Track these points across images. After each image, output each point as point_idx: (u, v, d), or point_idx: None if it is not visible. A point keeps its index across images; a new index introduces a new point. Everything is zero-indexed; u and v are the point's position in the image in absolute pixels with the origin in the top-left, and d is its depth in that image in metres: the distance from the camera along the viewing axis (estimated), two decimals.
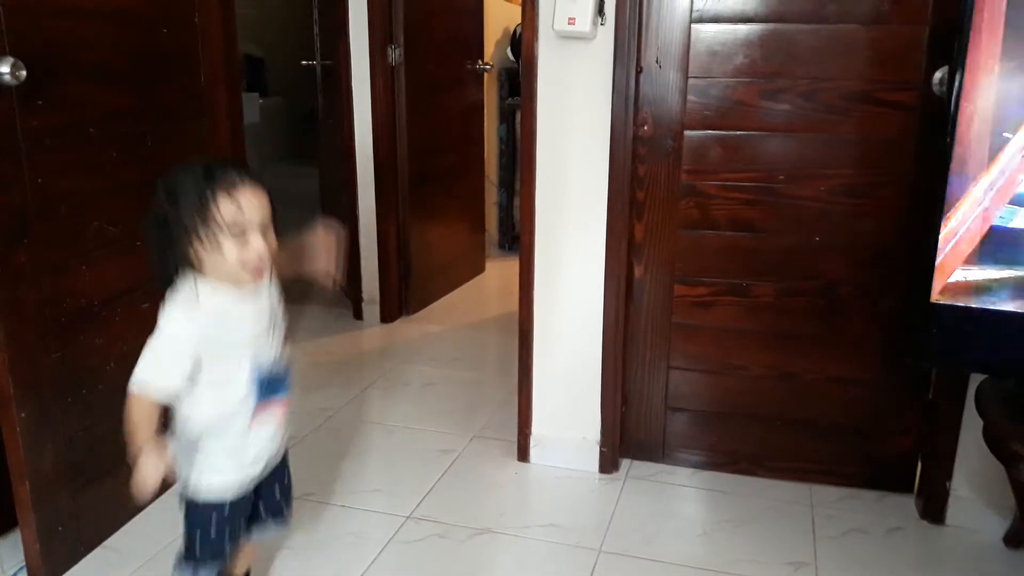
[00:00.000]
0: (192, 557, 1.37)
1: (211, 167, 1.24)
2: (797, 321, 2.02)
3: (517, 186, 4.45)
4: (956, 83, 1.45)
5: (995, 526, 1.86)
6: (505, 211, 4.55)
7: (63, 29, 1.61)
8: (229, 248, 1.23)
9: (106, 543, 1.80)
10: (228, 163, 1.27)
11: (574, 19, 1.87)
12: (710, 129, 1.97)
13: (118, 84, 1.78)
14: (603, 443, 2.13)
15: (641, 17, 1.92)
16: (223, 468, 1.34)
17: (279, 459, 1.47)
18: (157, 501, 1.97)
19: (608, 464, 2.14)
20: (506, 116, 4.43)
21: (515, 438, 2.22)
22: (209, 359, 1.27)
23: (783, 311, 2.02)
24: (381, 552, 1.80)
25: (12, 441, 1.56)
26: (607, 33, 1.91)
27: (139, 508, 1.92)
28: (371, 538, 1.84)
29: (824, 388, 2.04)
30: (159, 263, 1.27)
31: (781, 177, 1.95)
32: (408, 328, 3.33)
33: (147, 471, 1.27)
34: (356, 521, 1.93)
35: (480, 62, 3.83)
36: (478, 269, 4.08)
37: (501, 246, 4.56)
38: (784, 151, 1.95)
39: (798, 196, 1.95)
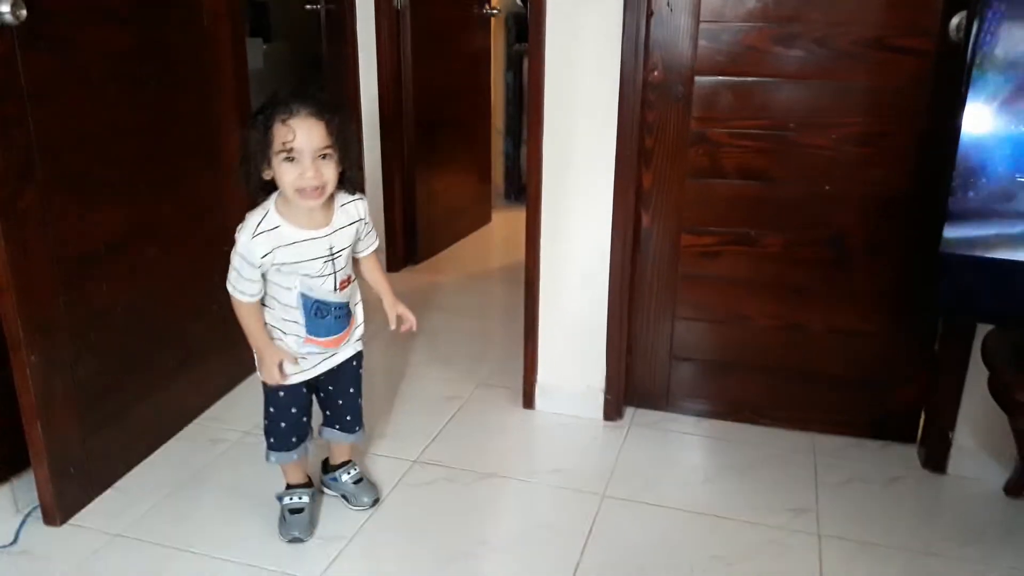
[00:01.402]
0: (264, 433, 1.65)
1: (279, 95, 1.39)
2: (804, 272, 2.01)
3: (524, 135, 4.41)
4: (975, 28, 1.42)
5: (996, 475, 1.88)
6: (512, 160, 4.51)
7: None
8: (283, 172, 1.39)
9: (117, 484, 1.83)
10: (299, 92, 1.40)
11: None
12: (721, 75, 1.94)
13: (120, 25, 1.76)
14: (608, 391, 2.15)
15: None
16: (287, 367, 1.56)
17: (340, 376, 1.66)
18: (168, 443, 2.01)
19: (612, 412, 2.16)
20: (513, 63, 4.37)
21: (520, 386, 2.24)
22: (272, 275, 1.49)
23: (790, 261, 2.01)
24: (389, 494, 1.83)
25: (23, 383, 1.57)
26: None
27: (149, 450, 1.95)
28: (378, 481, 1.87)
29: (830, 339, 2.04)
30: (245, 181, 1.45)
31: (792, 125, 1.93)
32: (414, 278, 3.33)
33: (265, 363, 1.54)
34: (363, 464, 1.94)
35: (487, 6, 3.76)
36: (484, 219, 4.06)
37: (507, 196, 4.53)
38: (795, 98, 1.92)
39: (808, 144, 1.93)
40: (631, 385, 2.19)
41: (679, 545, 1.68)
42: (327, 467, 1.81)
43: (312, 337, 1.55)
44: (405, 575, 1.59)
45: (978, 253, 1.47)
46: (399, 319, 1.69)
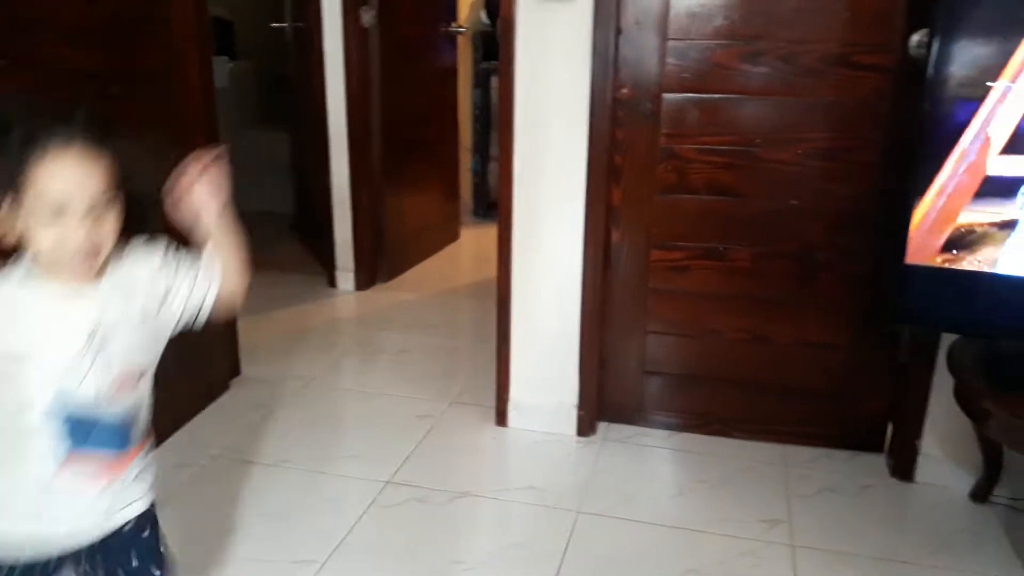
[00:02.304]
0: None
1: (30, 124, 0.91)
2: (772, 285, 2.04)
3: (492, 152, 4.42)
4: (936, 45, 1.46)
5: (962, 483, 1.91)
6: (480, 177, 4.52)
7: None
8: (41, 230, 0.91)
9: None
10: (59, 117, 0.93)
11: None
12: (688, 92, 1.96)
13: (87, 44, 1.74)
14: (580, 407, 2.15)
15: None
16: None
17: (116, 535, 1.05)
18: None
19: (585, 427, 2.16)
20: (480, 80, 4.38)
21: (492, 403, 2.23)
22: None
23: (759, 275, 2.04)
24: (361, 517, 1.80)
25: None
26: None
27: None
28: (350, 503, 1.84)
29: (798, 351, 2.07)
30: None
31: (758, 141, 1.96)
32: (382, 296, 3.31)
33: None
34: (334, 487, 1.92)
35: (454, 24, 3.78)
36: (453, 236, 4.06)
37: (476, 213, 4.53)
38: (762, 114, 1.95)
39: (775, 160, 1.96)
40: (603, 400, 2.19)
41: (655, 559, 1.68)
42: None
43: (64, 473, 0.97)
44: None
45: (948, 265, 1.50)
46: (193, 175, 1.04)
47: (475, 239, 4.15)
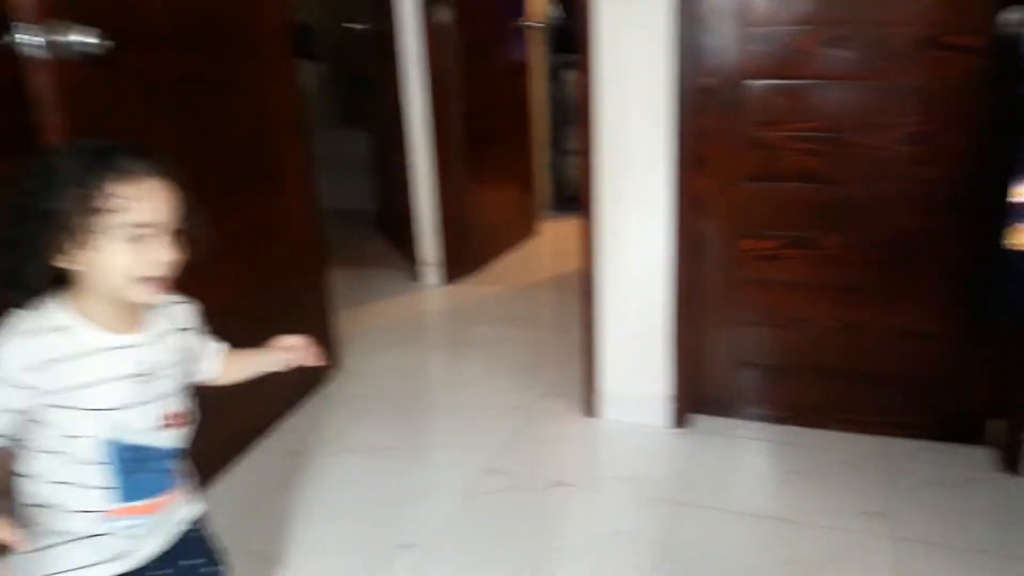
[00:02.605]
0: None
1: (109, 148, 0.98)
2: (864, 272, 2.00)
3: (566, 146, 4.44)
4: None
5: None
6: (556, 171, 4.54)
7: None
8: (116, 254, 0.96)
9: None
10: (127, 147, 0.99)
11: None
12: (772, 78, 1.94)
13: (186, 50, 1.82)
14: (671, 398, 2.15)
15: None
16: (69, 561, 1.03)
17: (177, 554, 1.13)
18: (245, 457, 2.06)
19: (676, 419, 2.16)
20: (553, 74, 4.40)
21: (581, 394, 2.26)
22: (49, 414, 0.98)
23: (850, 262, 2.00)
24: (460, 503, 1.85)
25: None
26: None
27: (228, 463, 2.00)
28: (449, 490, 1.90)
29: (893, 340, 2.03)
30: (11, 271, 0.96)
31: (846, 126, 1.92)
32: (466, 289, 3.37)
33: None
34: (433, 474, 1.98)
35: (527, 18, 3.80)
36: (530, 230, 4.09)
37: (552, 207, 4.56)
38: (848, 99, 1.91)
39: (863, 145, 1.92)
40: (695, 391, 2.19)
41: (753, 550, 1.69)
42: None
43: (122, 505, 1.03)
44: None
45: None
46: (296, 350, 1.26)
47: (552, 233, 4.18)
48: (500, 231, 3.76)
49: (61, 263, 0.96)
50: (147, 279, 0.99)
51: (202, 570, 1.18)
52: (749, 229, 2.06)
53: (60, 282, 0.99)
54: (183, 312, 1.14)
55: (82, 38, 1.44)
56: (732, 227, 2.06)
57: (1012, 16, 1.69)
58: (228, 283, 1.99)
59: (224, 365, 1.23)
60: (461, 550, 1.70)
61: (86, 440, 1.00)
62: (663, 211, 2.04)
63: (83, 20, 1.45)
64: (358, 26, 3.67)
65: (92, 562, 1.04)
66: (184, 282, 1.08)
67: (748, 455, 2.05)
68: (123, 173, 0.96)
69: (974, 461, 1.96)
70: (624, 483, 1.93)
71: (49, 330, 0.97)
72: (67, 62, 1.45)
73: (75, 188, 0.93)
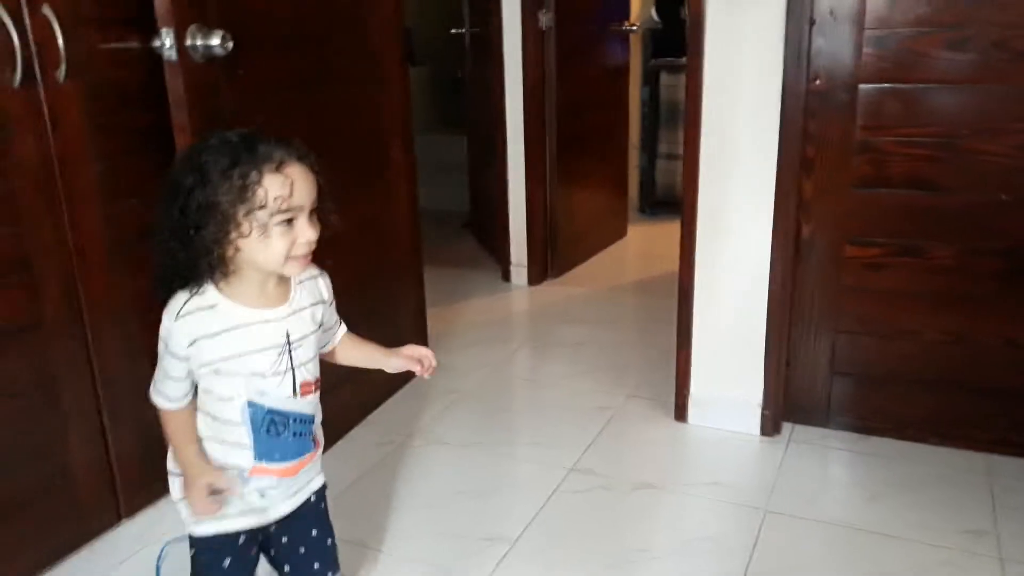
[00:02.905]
0: None
1: (252, 138, 1.05)
2: (977, 283, 1.93)
3: (659, 149, 4.41)
4: None
5: None
6: (646, 175, 4.52)
7: None
8: (274, 239, 1.05)
9: None
10: (270, 136, 1.06)
11: None
12: (887, 82, 1.89)
13: (300, 52, 1.89)
14: (765, 405, 2.12)
15: None
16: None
17: (297, 521, 1.24)
18: (335, 445, 2.12)
19: (769, 427, 2.12)
20: (649, 78, 4.39)
21: (669, 398, 2.24)
22: (204, 380, 1.11)
23: (962, 273, 1.93)
24: (548, 500, 1.87)
25: None
26: None
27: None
28: (537, 487, 1.91)
29: (1004, 353, 1.94)
30: (169, 263, 1.06)
31: (964, 132, 1.86)
32: (554, 290, 3.39)
33: (192, 487, 1.12)
34: (522, 470, 2.00)
35: (626, 23, 3.80)
36: (620, 233, 4.08)
37: (642, 210, 4.54)
38: (968, 104, 1.85)
39: (982, 151, 1.85)
40: (789, 400, 2.15)
41: (846, 562, 1.64)
42: None
43: (263, 464, 1.14)
44: None
45: None
46: (419, 361, 1.30)
47: (642, 236, 4.16)
48: (591, 233, 3.77)
49: (225, 250, 1.05)
50: (297, 257, 1.08)
51: (317, 541, 1.27)
52: (854, 235, 2.00)
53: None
54: (321, 285, 1.22)
55: (208, 41, 1.52)
56: (837, 233, 2.02)
57: None
58: (335, 279, 2.06)
59: (343, 344, 1.30)
60: (547, 546, 1.71)
61: (234, 403, 1.11)
62: (765, 215, 2.01)
63: (208, 23, 1.53)
64: (459, 30, 3.74)
65: (232, 514, 1.16)
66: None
67: (842, 466, 2.00)
68: (270, 161, 1.03)
69: None
70: (712, 488, 1.91)
71: (206, 308, 1.07)
72: (195, 64, 1.53)
73: (230, 181, 1.01)
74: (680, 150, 4.29)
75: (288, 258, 1.07)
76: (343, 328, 1.31)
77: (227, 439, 1.13)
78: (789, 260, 2.03)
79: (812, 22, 1.89)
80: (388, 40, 2.20)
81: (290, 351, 1.13)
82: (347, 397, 2.14)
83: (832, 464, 2.01)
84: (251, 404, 1.11)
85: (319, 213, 1.10)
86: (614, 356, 2.68)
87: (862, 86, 1.91)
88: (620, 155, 4.03)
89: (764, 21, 1.89)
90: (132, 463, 1.63)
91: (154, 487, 1.65)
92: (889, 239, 1.98)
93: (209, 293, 1.08)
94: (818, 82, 1.93)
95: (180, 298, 1.08)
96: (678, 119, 4.31)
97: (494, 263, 3.62)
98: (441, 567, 1.65)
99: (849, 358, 2.09)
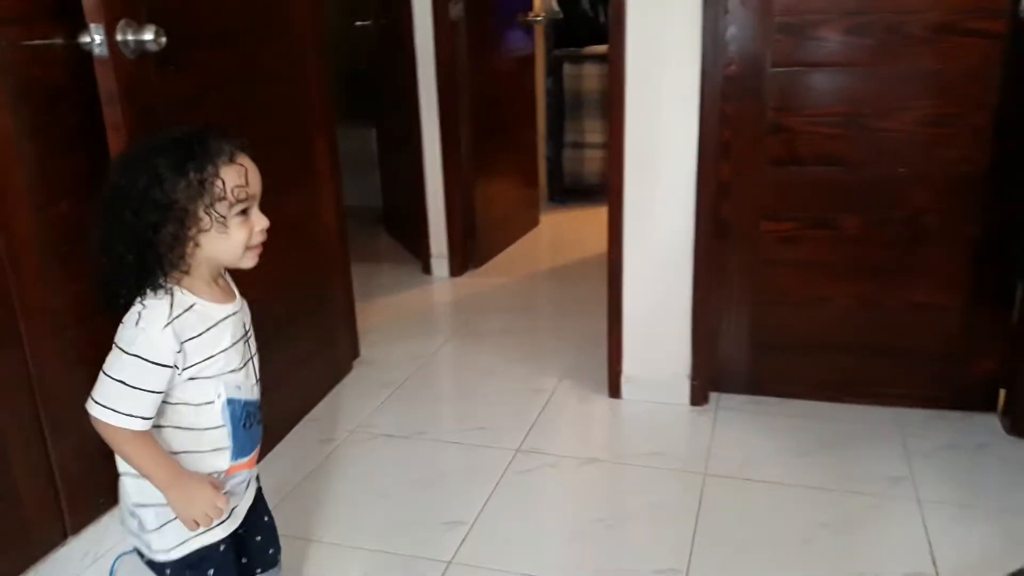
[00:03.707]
0: None
1: (201, 134, 1.03)
2: (883, 252, 2.08)
3: (566, 138, 4.51)
4: None
5: None
6: (554, 164, 4.60)
7: None
8: (234, 229, 1.05)
9: None
10: (212, 130, 1.04)
11: None
12: (795, 66, 2.02)
13: (231, 48, 1.86)
14: (694, 376, 2.22)
15: None
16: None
17: (254, 502, 1.26)
18: (279, 445, 2.10)
19: (699, 396, 2.23)
20: (553, 68, 4.46)
21: (602, 376, 2.32)
22: (178, 391, 1.07)
23: (869, 242, 2.08)
24: (499, 482, 1.91)
25: None
26: None
27: (263, 453, 2.04)
28: (486, 470, 1.95)
29: (909, 316, 2.11)
30: (116, 269, 1.02)
31: (866, 111, 2.00)
32: (476, 281, 3.42)
33: (195, 497, 1.06)
34: (469, 456, 2.04)
35: (530, 14, 3.86)
36: (534, 222, 4.16)
37: (552, 199, 4.62)
38: (869, 84, 1.99)
39: (884, 129, 2.00)
40: (715, 370, 2.26)
41: (786, 516, 1.76)
42: None
43: (238, 462, 1.14)
44: (535, 555, 1.66)
45: None
46: None
47: (554, 224, 4.25)
48: (508, 223, 3.82)
49: (185, 248, 1.03)
50: (253, 247, 1.09)
51: (268, 526, 1.30)
52: (770, 212, 2.13)
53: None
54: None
55: (140, 36, 1.48)
56: (753, 210, 2.14)
57: None
58: (262, 277, 2.03)
59: None
60: (505, 525, 1.76)
61: (214, 405, 1.09)
62: (687, 196, 2.11)
63: (138, 18, 1.49)
64: (364, 22, 3.71)
65: (217, 522, 1.12)
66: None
67: (769, 429, 2.12)
68: (223, 153, 1.03)
69: (987, 427, 2.05)
70: (653, 458, 2.00)
71: (188, 310, 1.05)
72: (127, 60, 1.48)
73: (187, 177, 0.99)
74: (586, 138, 4.43)
75: (246, 248, 1.08)
76: None
77: (202, 447, 1.11)
78: (711, 238, 2.13)
79: (726, 11, 1.99)
80: (311, 37, 2.18)
81: (247, 341, 1.15)
82: (286, 397, 2.13)
83: (760, 428, 2.13)
84: (231, 401, 1.11)
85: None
86: (543, 341, 2.75)
87: (772, 70, 2.03)
88: (531, 145, 4.10)
89: (681, 9, 1.98)
90: (76, 478, 1.58)
91: (97, 501, 1.61)
92: (801, 214, 2.12)
93: (180, 294, 1.05)
94: (732, 67, 2.04)
95: (158, 307, 1.02)
96: (583, 108, 4.42)
97: (412, 257, 3.62)
98: (402, 556, 1.67)
99: (769, 327, 2.22)
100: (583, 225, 4.20)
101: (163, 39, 1.51)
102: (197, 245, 1.04)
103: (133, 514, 1.12)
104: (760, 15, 1.99)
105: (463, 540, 1.70)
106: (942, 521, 1.70)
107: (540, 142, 4.41)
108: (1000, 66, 1.88)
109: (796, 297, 2.18)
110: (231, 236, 1.05)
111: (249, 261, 1.10)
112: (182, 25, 1.65)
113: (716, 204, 2.12)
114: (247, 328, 1.16)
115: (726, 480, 1.90)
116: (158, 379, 1.02)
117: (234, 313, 1.12)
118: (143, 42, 1.48)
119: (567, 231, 4.19)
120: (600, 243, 3.56)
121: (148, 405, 1.03)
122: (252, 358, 1.16)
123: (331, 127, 2.33)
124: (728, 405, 2.24)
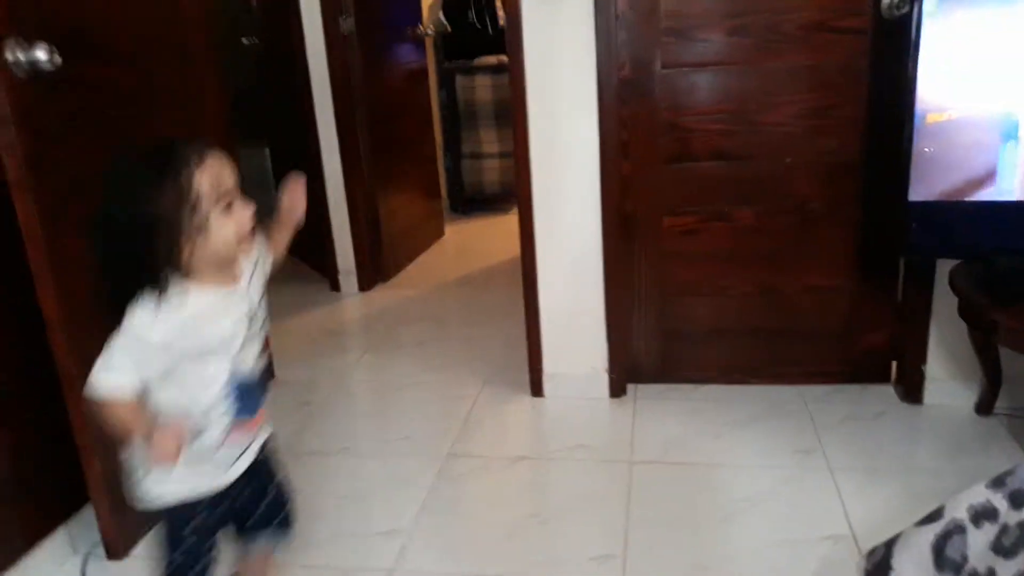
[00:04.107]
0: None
1: (166, 146, 1.09)
2: (776, 239, 2.21)
3: (463, 149, 4.55)
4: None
5: (967, 400, 2.12)
6: (453, 175, 4.64)
7: (87, 10, 1.64)
8: (222, 225, 1.09)
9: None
10: (177, 141, 1.10)
11: None
12: (683, 67, 2.12)
13: (127, 67, 1.81)
14: (611, 370, 2.30)
15: None
16: (182, 478, 1.19)
17: (258, 468, 1.31)
18: None
19: (617, 389, 2.31)
20: (445, 80, 4.50)
21: (523, 377, 2.37)
22: (182, 365, 1.14)
23: (763, 231, 2.21)
24: (432, 487, 1.92)
25: (79, 421, 1.60)
26: None
27: None
28: (418, 477, 1.96)
29: (805, 298, 2.25)
30: (124, 278, 1.09)
31: (752, 106, 2.12)
32: (386, 294, 3.41)
33: (159, 440, 1.11)
34: (399, 466, 2.04)
35: (420, 27, 3.89)
36: (439, 233, 4.17)
37: (454, 209, 4.65)
38: (752, 81, 2.12)
39: (768, 123, 2.13)
40: (631, 362, 2.34)
41: (711, 493, 1.84)
42: None
43: (242, 418, 1.22)
44: (474, 554, 1.69)
45: (945, 199, 1.69)
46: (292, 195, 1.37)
47: (458, 234, 4.28)
48: (413, 235, 3.82)
49: (181, 255, 1.09)
50: (244, 235, 1.13)
51: (272, 495, 1.35)
52: (670, 207, 2.23)
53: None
54: (257, 285, 1.24)
55: (32, 55, 1.43)
56: (655, 206, 2.23)
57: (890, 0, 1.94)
58: None
59: (275, 246, 1.34)
60: (443, 529, 1.77)
61: (218, 381, 1.16)
62: (592, 197, 2.18)
63: (27, 36, 1.44)
64: (251, 39, 3.65)
65: (211, 477, 1.22)
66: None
67: (685, 414, 2.22)
68: (192, 158, 1.07)
69: (883, 397, 2.20)
70: (580, 451, 2.05)
71: (179, 299, 1.10)
72: (18, 80, 1.43)
73: (165, 192, 1.05)
74: (484, 149, 4.48)
75: (239, 238, 1.12)
76: (265, 241, 1.32)
77: (206, 419, 1.17)
78: (618, 236, 2.21)
79: (617, 16, 2.08)
80: (204, 50, 2.14)
81: (252, 318, 1.20)
82: None
83: (677, 413, 2.22)
84: (233, 376, 1.17)
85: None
86: (460, 350, 2.77)
87: (662, 71, 2.13)
88: (430, 157, 4.12)
89: (575, 18, 2.05)
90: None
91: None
92: (699, 208, 2.22)
93: (174, 287, 1.10)
94: (626, 71, 2.12)
95: (149, 297, 1.09)
96: (477, 119, 4.47)
97: (318, 275, 3.57)
98: (342, 569, 1.66)
99: (677, 317, 2.32)
100: (487, 233, 4.25)
101: (58, 58, 1.47)
102: (192, 249, 1.09)
103: (132, 467, 1.22)
104: (647, 20, 2.09)
105: (402, 548, 1.71)
106: (852, 486, 1.82)
107: (438, 154, 4.44)
108: (868, 60, 2.04)
109: (700, 287, 2.29)
110: (222, 231, 1.10)
111: (244, 248, 1.15)
112: (78, 44, 1.60)
113: (620, 203, 2.20)
114: (251, 306, 1.20)
115: (650, 466, 1.97)
116: (139, 350, 1.09)
117: (237, 294, 1.18)
118: (36, 61, 1.44)
119: (472, 240, 4.22)
120: (505, 251, 3.66)
121: (124, 375, 1.10)
122: (255, 336, 1.21)
123: (233, 147, 2.28)
124: (645, 394, 2.32)
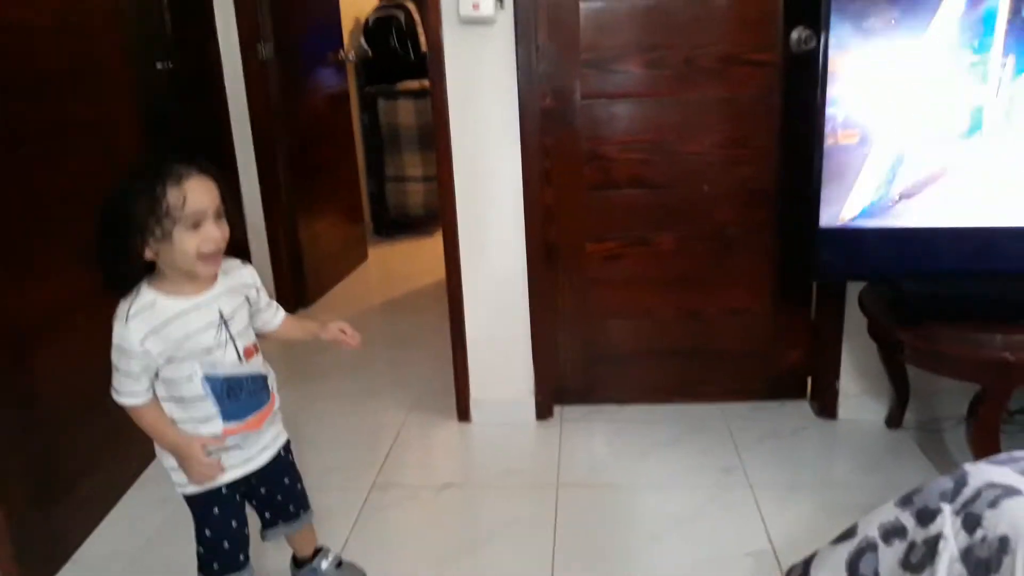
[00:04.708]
0: (203, 563, 1.46)
1: (160, 162, 1.24)
2: (696, 264, 2.28)
3: (386, 172, 4.53)
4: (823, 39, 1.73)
5: (877, 415, 2.21)
6: (377, 199, 4.61)
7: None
8: (185, 239, 1.22)
9: (81, 549, 1.80)
10: (176, 157, 1.25)
11: (478, 4, 2.00)
12: (603, 98, 2.17)
13: (42, 100, 1.76)
14: (537, 393, 2.32)
15: None
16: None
17: (271, 473, 1.48)
18: (116, 507, 1.97)
19: (544, 411, 2.33)
20: (367, 104, 4.49)
21: (450, 402, 2.36)
22: (163, 370, 1.29)
23: (683, 256, 2.27)
24: (357, 519, 1.89)
25: None
26: (507, 16, 2.06)
27: (101, 517, 1.91)
28: (343, 510, 1.93)
29: (724, 320, 2.32)
30: (112, 271, 1.27)
31: (670, 136, 2.19)
32: (308, 320, 3.35)
33: (192, 460, 1.33)
34: (323, 499, 1.96)
35: (342, 52, 3.87)
36: (362, 257, 4.14)
37: (378, 232, 4.62)
38: (670, 112, 2.18)
39: (686, 152, 2.19)
40: (556, 385, 2.37)
41: (636, 514, 1.87)
42: (298, 562, 1.67)
43: (231, 424, 1.36)
44: None
45: (853, 225, 1.78)
46: (343, 331, 1.59)
47: (383, 257, 4.25)
48: (336, 260, 3.78)
49: (148, 255, 1.25)
50: (207, 255, 1.26)
51: (290, 487, 1.54)
52: (593, 233, 2.27)
53: (148, 269, 1.29)
54: (245, 273, 1.41)
55: None
56: (578, 233, 2.27)
57: (796, 35, 2.03)
58: (94, 344, 1.91)
59: (284, 327, 1.54)
60: (372, 561, 1.74)
61: (194, 381, 1.31)
62: (516, 223, 2.20)
63: None
64: (166, 65, 3.56)
65: (224, 468, 1.38)
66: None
67: (611, 434, 2.25)
68: (172, 176, 1.22)
69: (800, 413, 2.29)
70: (508, 476, 2.06)
71: (148, 307, 1.27)
72: None
73: (145, 198, 1.20)
74: (407, 172, 4.47)
75: (198, 256, 1.24)
76: (282, 313, 1.53)
77: (196, 415, 1.33)
78: (542, 261, 2.24)
79: (537, 47, 2.12)
80: (121, 81, 2.09)
81: (226, 325, 1.33)
82: (117, 462, 2.00)
83: (602, 434, 2.25)
84: (208, 377, 1.31)
85: (228, 217, 1.29)
86: (385, 375, 2.75)
87: (582, 102, 2.18)
88: (352, 181, 4.09)
89: (496, 49, 2.08)
90: None
91: None
92: (621, 233, 2.27)
93: (146, 294, 1.27)
94: (547, 101, 2.16)
95: (123, 306, 1.26)
96: (400, 142, 4.46)
97: None
98: None
99: (601, 341, 2.36)
100: (412, 257, 4.23)
101: None
102: (157, 253, 1.25)
103: (162, 457, 1.39)
104: (567, 51, 2.13)
105: None
106: (772, 502, 1.88)
107: (361, 177, 4.41)
108: (779, 93, 2.13)
109: (623, 310, 2.33)
110: (183, 246, 1.23)
111: (204, 269, 1.27)
112: None
113: (544, 229, 2.23)
114: (222, 314, 1.32)
115: (577, 488, 1.99)
116: (131, 363, 1.26)
117: (204, 303, 1.30)
118: None
119: (396, 264, 4.20)
120: (430, 273, 3.64)
121: (133, 384, 1.28)
122: (233, 338, 1.33)
123: (231, 178, 2.22)
124: (571, 416, 2.35)
